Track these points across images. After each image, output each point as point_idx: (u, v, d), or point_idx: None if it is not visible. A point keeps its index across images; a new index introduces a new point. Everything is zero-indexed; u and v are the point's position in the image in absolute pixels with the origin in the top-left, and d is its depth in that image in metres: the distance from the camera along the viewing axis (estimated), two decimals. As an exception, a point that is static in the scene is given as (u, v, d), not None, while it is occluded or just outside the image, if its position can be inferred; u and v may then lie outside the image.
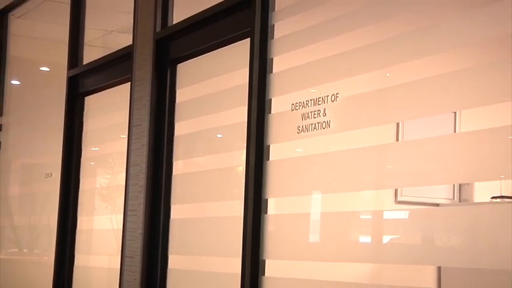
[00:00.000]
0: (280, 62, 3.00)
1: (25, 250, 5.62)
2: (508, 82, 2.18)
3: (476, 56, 2.27)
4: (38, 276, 4.99)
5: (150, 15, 3.88)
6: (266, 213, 2.96)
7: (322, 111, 2.74)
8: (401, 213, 3.06)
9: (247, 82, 3.07)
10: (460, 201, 4.62)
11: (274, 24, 3.04)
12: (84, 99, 4.75)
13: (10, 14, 5.93)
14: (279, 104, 2.98)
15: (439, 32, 2.41)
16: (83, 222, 4.67)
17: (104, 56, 4.46)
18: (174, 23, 3.81)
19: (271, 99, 3.01)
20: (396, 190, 3.68)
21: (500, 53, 2.18)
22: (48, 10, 5.46)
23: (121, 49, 4.22)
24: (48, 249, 4.85)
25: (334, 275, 2.72)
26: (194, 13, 3.58)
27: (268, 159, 2.98)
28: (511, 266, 3.25)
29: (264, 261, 2.94)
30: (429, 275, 3.60)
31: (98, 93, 4.61)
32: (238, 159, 3.16)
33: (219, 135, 3.61)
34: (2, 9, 5.92)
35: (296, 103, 2.86)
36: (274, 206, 2.98)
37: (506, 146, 2.19)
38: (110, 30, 4.73)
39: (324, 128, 2.73)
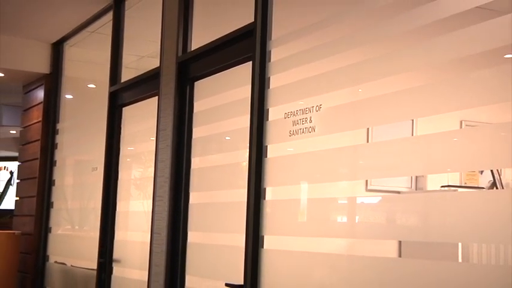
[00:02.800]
0: (276, 80, 2.99)
1: (76, 227, 5.60)
2: (452, 96, 2.20)
3: (427, 76, 2.28)
4: (86, 247, 4.97)
5: (173, 44, 3.87)
6: (264, 199, 2.95)
7: (308, 119, 2.73)
8: (371, 199, 3.04)
9: (250, 96, 3.06)
10: (416, 190, 4.61)
11: (271, 50, 3.03)
12: (122, 109, 4.73)
13: (65, 43, 5.92)
14: (274, 113, 2.97)
15: (398, 58, 2.41)
16: (121, 206, 4.65)
17: (137, 76, 4.44)
18: (192, 49, 3.80)
19: (268, 109, 3.00)
20: (366, 181, 3.66)
21: (445, 74, 2.18)
22: (95, 40, 5.45)
23: (150, 70, 4.21)
24: (94, 227, 4.84)
25: (317, 248, 2.70)
26: (208, 41, 3.57)
27: (266, 157, 2.97)
28: (456, 240, 3.24)
29: (263, 236, 2.93)
30: (392, 247, 3.58)
31: (133, 105, 4.60)
32: (242, 157, 3.15)
33: (227, 138, 3.60)
34: (59, 40, 5.90)
35: (288, 112, 2.85)
36: (271, 193, 2.97)
37: (452, 146, 2.21)
38: (142, 56, 4.72)
39: (310, 132, 2.71)
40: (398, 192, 4.30)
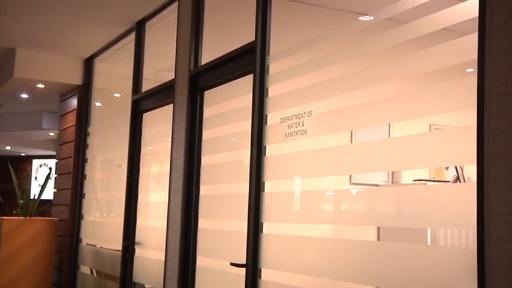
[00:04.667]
0: (273, 90, 2.99)
1: (104, 214, 5.60)
2: (422, 104, 2.20)
3: (401, 87, 2.28)
4: (113, 231, 4.97)
5: (186, 59, 3.87)
6: (264, 191, 2.95)
7: (301, 123, 2.72)
8: (354, 191, 3.03)
9: (251, 103, 3.05)
10: (392, 183, 4.60)
11: (269, 65, 3.03)
12: (142, 115, 4.72)
13: (95, 59, 5.91)
14: (272, 118, 2.97)
15: (376, 71, 2.40)
16: (142, 197, 4.65)
17: (156, 86, 4.44)
18: (202, 63, 3.79)
19: (267, 114, 2.99)
20: (350, 176, 3.65)
21: (416, 85, 2.19)
22: (120, 56, 5.44)
23: (167, 82, 4.20)
24: (119, 214, 4.83)
25: (308, 232, 2.70)
26: (215, 57, 3.57)
27: (265, 155, 2.97)
28: (425, 225, 3.23)
29: (262, 223, 2.93)
30: (371, 232, 3.57)
31: (152, 111, 4.59)
32: (245, 155, 3.14)
33: (232, 139, 3.60)
34: (90, 56, 5.90)
35: (284, 117, 2.84)
36: (269, 186, 2.96)
37: (422, 146, 2.21)
38: (160, 69, 4.72)
39: (302, 134, 2.71)
40: (377, 185, 4.28)
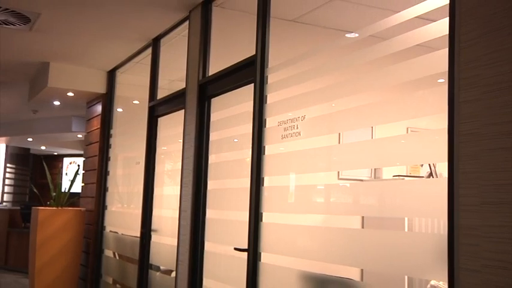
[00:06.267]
0: (271, 97, 2.99)
1: (125, 205, 5.60)
2: (400, 110, 2.20)
3: (382, 94, 2.27)
4: (132, 220, 4.97)
5: (195, 71, 3.87)
6: (263, 185, 2.94)
7: (295, 126, 2.71)
8: (341, 185, 3.03)
9: (252, 109, 3.05)
10: (374, 178, 4.59)
11: (267, 76, 3.02)
12: (157, 119, 4.72)
13: (117, 71, 5.91)
14: (270, 122, 2.96)
15: (361, 81, 2.40)
16: (157, 190, 4.64)
17: (169, 94, 4.43)
18: (209, 74, 3.79)
19: (266, 119, 2.99)
20: (338, 172, 3.64)
21: (395, 93, 2.19)
22: (138, 68, 5.42)
23: (179, 90, 4.20)
24: (138, 205, 4.83)
25: (302, 221, 2.69)
26: (221, 69, 3.56)
27: (264, 154, 2.96)
28: (403, 215, 3.21)
29: (262, 213, 2.93)
30: (357, 220, 3.56)
31: (166, 116, 4.59)
32: (247, 154, 3.13)
33: (235, 140, 3.59)
34: (112, 68, 5.89)
35: (280, 121, 2.84)
36: (268, 181, 2.96)
37: (400, 146, 2.21)
38: (172, 80, 4.71)
39: (296, 136, 2.70)
40: (362, 180, 4.27)
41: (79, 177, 6.33)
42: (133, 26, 4.45)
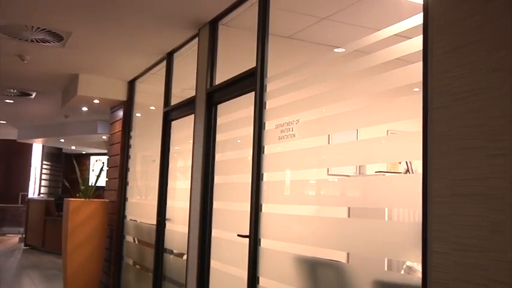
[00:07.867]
0: (270, 104, 2.98)
1: (143, 197, 5.60)
2: (381, 114, 2.19)
3: (366, 101, 2.27)
4: (149, 210, 4.97)
5: (204, 80, 3.86)
6: (262, 180, 2.94)
7: (291, 129, 2.71)
8: (331, 181, 3.02)
9: (253, 114, 3.04)
10: (359, 174, 4.58)
11: (266, 84, 3.01)
12: (171, 123, 4.72)
13: (136, 81, 5.91)
14: (269, 125, 2.95)
15: (347, 89, 2.39)
16: (171, 184, 4.63)
17: (181, 101, 4.43)
18: (216, 84, 3.79)
19: (265, 122, 2.98)
20: (328, 169, 3.64)
21: (377, 100, 2.19)
22: (154, 79, 5.40)
23: (189, 98, 4.19)
24: (154, 197, 4.83)
25: (296, 211, 2.69)
26: (226, 79, 3.56)
27: (264, 153, 2.96)
28: (384, 205, 3.20)
29: (262, 204, 2.92)
30: (344, 211, 3.56)
31: (178, 120, 4.59)
32: (248, 153, 3.13)
33: (238, 141, 3.58)
34: (132, 78, 5.89)
35: (278, 124, 2.83)
36: (267, 176, 2.95)
37: (381, 146, 2.20)
38: (184, 88, 4.71)
39: (292, 137, 2.70)
40: (348, 176, 4.27)
41: (103, 173, 6.34)
42: (151, 42, 4.46)
